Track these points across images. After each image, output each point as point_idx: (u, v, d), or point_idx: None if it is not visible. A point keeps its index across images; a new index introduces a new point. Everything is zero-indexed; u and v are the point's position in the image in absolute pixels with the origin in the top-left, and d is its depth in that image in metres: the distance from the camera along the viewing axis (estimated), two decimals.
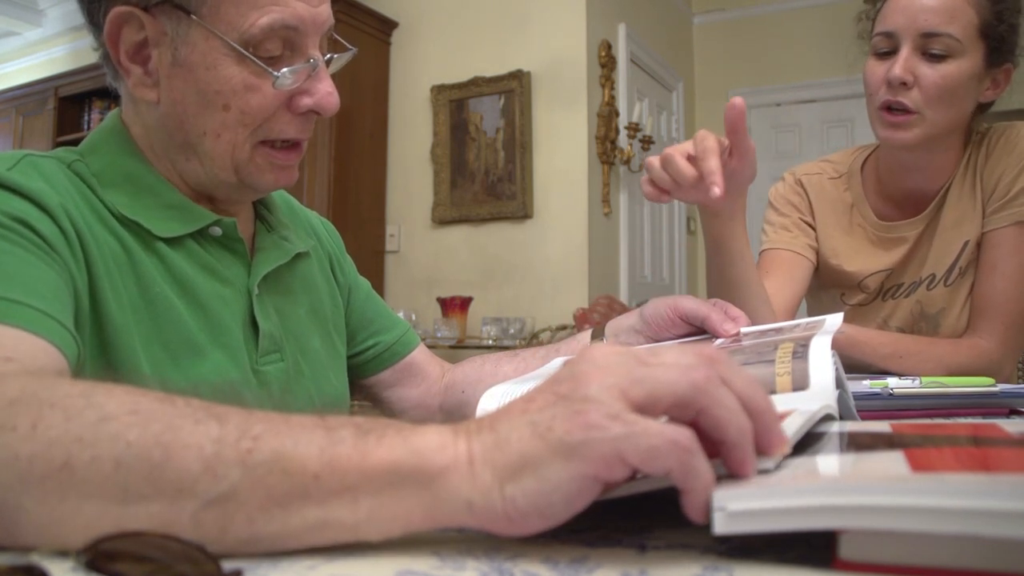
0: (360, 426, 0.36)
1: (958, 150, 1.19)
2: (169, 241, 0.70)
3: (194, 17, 0.65)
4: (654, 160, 0.88)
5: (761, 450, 0.37)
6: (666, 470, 0.33)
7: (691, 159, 0.84)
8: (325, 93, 0.71)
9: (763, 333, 0.76)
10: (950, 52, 1.08)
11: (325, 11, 0.70)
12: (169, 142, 0.71)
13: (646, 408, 0.35)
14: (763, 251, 1.31)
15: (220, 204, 0.76)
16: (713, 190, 0.80)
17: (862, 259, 1.26)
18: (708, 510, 0.33)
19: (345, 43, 0.76)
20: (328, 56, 0.73)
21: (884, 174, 1.25)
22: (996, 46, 1.10)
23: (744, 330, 0.79)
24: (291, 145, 0.73)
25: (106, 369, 0.63)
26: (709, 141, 0.83)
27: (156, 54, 0.67)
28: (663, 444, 0.33)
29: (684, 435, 0.33)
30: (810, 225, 1.31)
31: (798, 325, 0.75)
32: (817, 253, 1.30)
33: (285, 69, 0.67)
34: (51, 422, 0.36)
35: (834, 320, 0.71)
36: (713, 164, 0.81)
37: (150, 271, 0.67)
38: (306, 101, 0.70)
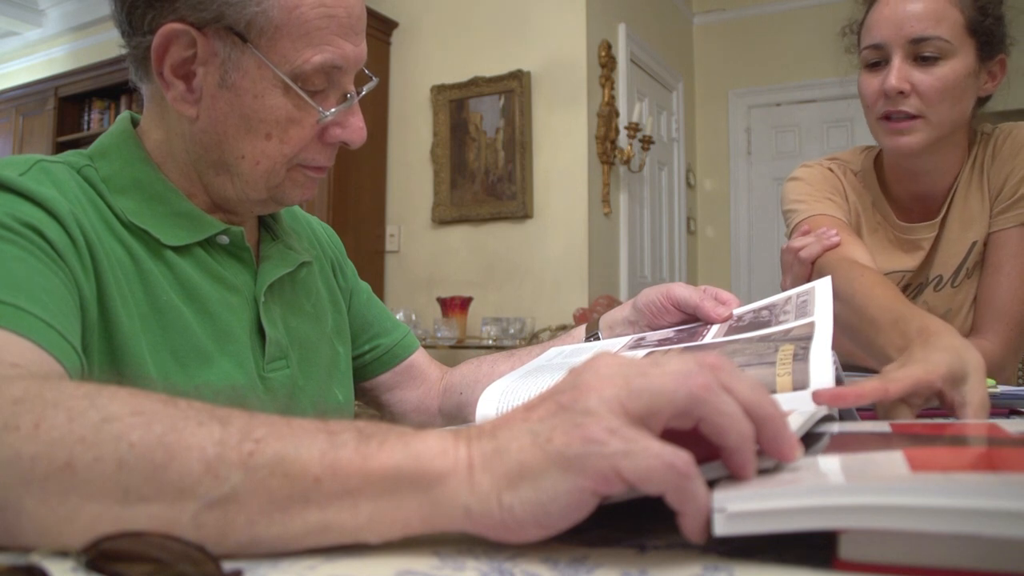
0: (362, 431, 0.37)
1: (963, 148, 1.18)
2: (177, 249, 0.70)
3: (250, 45, 0.66)
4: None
5: (775, 457, 0.37)
6: (660, 492, 0.33)
7: None
8: (357, 127, 0.74)
9: (756, 313, 0.78)
10: (942, 54, 1.07)
11: (364, 49, 0.72)
12: (202, 156, 0.71)
13: (646, 420, 0.34)
14: (804, 219, 1.20)
15: (232, 215, 0.77)
16: None
17: (883, 260, 1.23)
18: (703, 531, 0.33)
19: (368, 73, 0.78)
20: (362, 91, 0.75)
21: (892, 179, 1.24)
22: (986, 40, 1.10)
23: (736, 312, 0.81)
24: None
25: (115, 376, 0.63)
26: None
27: (202, 72, 0.67)
28: (659, 467, 0.32)
29: (681, 459, 0.33)
30: (845, 205, 1.23)
31: (789, 299, 0.76)
32: None
33: (332, 109, 0.70)
34: (54, 422, 0.36)
35: (824, 289, 0.72)
36: None
37: (158, 279, 0.68)
38: (338, 132, 0.73)
